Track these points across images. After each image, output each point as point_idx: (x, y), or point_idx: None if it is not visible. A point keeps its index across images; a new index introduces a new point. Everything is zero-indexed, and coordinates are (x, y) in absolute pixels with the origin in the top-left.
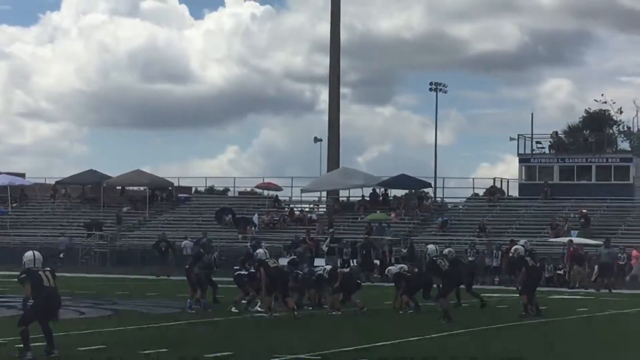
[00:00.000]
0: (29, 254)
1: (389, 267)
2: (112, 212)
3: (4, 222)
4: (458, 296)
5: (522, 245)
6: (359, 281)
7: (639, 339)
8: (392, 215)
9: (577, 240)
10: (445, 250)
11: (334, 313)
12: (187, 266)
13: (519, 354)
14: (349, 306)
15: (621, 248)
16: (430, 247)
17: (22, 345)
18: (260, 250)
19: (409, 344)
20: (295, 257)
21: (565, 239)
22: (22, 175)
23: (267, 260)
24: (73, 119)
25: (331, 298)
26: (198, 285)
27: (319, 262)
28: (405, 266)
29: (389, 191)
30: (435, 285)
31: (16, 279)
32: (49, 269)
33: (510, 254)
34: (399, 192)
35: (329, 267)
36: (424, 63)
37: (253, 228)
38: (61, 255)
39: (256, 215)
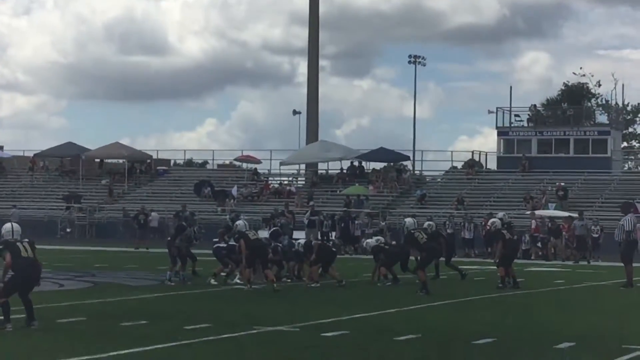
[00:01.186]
0: (7, 226)
1: (367, 240)
2: (91, 184)
3: None
4: (437, 269)
5: (500, 219)
6: (334, 249)
7: (614, 307)
8: (371, 188)
9: (545, 212)
10: (426, 224)
11: (312, 285)
12: (168, 238)
13: (495, 325)
14: (327, 278)
15: (594, 220)
16: (408, 220)
17: (1, 318)
18: (240, 222)
19: (387, 315)
20: (278, 227)
21: (543, 212)
22: (0, 148)
23: (247, 232)
24: (50, 91)
25: (309, 270)
26: (178, 258)
27: (298, 234)
28: (382, 238)
29: (367, 164)
30: (413, 258)
31: None
32: (27, 240)
33: (487, 227)
34: (378, 165)
35: (302, 241)
36: (403, 36)
37: (232, 201)
38: (68, 229)
39: (235, 187)
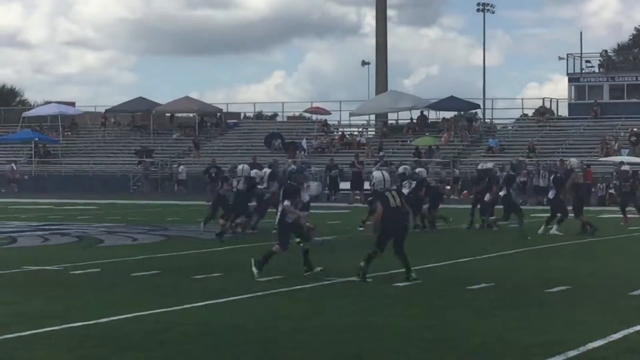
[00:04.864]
0: (378, 175)
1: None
2: (161, 139)
3: (55, 150)
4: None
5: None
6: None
7: None
8: (443, 138)
9: (618, 159)
10: (401, 169)
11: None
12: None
13: (569, 273)
14: None
15: None
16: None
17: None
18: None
19: (459, 265)
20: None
21: (615, 158)
22: (72, 104)
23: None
24: (119, 47)
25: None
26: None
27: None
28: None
29: (437, 113)
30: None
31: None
32: (394, 188)
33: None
34: (448, 114)
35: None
36: None
37: (302, 152)
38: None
39: (304, 139)
